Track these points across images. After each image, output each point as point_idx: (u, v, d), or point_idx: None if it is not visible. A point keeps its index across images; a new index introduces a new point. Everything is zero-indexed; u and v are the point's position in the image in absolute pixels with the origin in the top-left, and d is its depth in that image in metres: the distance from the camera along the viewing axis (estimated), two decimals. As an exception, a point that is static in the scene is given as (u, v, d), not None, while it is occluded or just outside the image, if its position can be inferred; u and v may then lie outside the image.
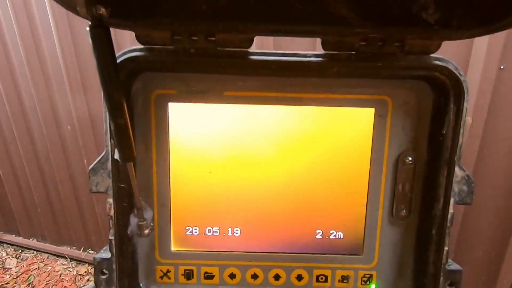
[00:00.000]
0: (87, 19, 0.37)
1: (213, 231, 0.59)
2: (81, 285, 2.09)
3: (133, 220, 0.53)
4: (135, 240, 0.56)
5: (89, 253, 2.21)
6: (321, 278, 0.61)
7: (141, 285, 0.59)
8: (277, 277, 0.61)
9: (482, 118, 1.14)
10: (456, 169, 0.51)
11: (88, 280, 2.15)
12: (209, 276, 0.61)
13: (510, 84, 1.08)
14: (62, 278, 2.16)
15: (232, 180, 0.57)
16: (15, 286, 2.10)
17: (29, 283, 2.12)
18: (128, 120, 0.43)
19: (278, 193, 0.58)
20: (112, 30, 0.40)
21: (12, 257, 2.38)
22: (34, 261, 2.32)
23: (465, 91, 0.48)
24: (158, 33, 0.46)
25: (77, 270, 2.22)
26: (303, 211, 0.58)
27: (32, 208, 2.25)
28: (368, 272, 0.61)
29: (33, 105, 1.89)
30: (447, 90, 0.49)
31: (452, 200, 0.51)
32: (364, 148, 0.56)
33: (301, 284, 0.61)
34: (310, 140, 0.56)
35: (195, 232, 0.59)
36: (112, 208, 0.51)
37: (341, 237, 0.59)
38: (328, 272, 0.61)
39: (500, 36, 1.04)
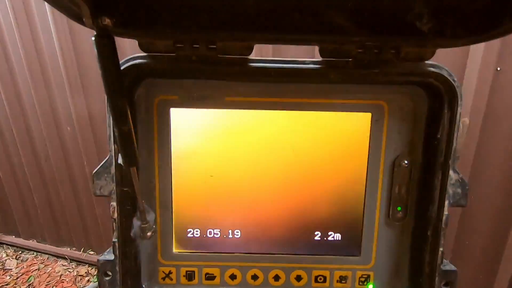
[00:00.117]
0: (92, 29, 0.38)
1: (214, 233, 0.61)
2: (82, 286, 2.10)
3: (136, 223, 0.54)
4: (138, 242, 0.58)
5: (89, 253, 2.22)
6: (320, 279, 0.62)
7: (143, 286, 0.60)
8: (276, 277, 0.62)
9: (479, 119, 1.15)
10: (451, 172, 0.52)
11: (88, 280, 2.16)
12: (210, 277, 0.62)
13: (506, 86, 1.10)
14: (62, 279, 2.16)
15: (232, 183, 0.59)
16: (15, 287, 2.10)
17: (29, 284, 2.13)
18: (132, 126, 0.44)
19: (278, 196, 0.59)
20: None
21: (12, 258, 2.38)
22: (34, 262, 2.32)
23: (459, 96, 0.49)
24: (160, 41, 0.47)
25: (77, 271, 2.22)
26: (302, 213, 0.60)
27: (32, 209, 2.25)
28: (365, 273, 0.62)
29: (33, 106, 1.89)
30: (441, 96, 0.51)
31: (446, 203, 0.52)
32: (361, 151, 0.57)
33: (300, 284, 0.63)
34: (308, 144, 0.57)
35: (197, 234, 0.61)
36: (116, 211, 0.52)
37: (339, 239, 0.61)
38: (326, 273, 0.62)
39: (497, 39, 1.05)
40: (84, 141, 1.84)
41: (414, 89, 0.54)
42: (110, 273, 0.54)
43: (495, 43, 1.06)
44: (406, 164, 0.57)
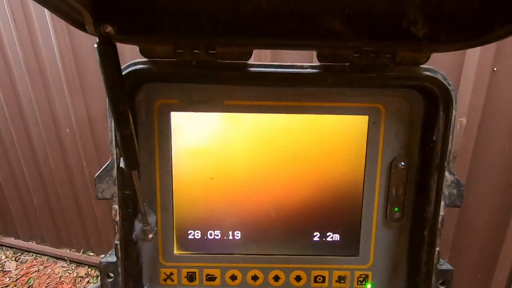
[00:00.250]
0: (95, 36, 0.39)
1: (214, 235, 0.61)
2: (82, 287, 2.10)
3: (138, 225, 0.55)
4: (140, 244, 0.58)
5: (89, 255, 2.22)
6: (319, 279, 0.63)
7: (145, 287, 0.61)
8: (276, 278, 0.63)
9: (476, 119, 1.17)
10: (446, 173, 0.53)
11: (88, 282, 2.16)
12: (211, 278, 0.63)
13: (503, 86, 1.11)
14: (62, 280, 2.17)
15: (232, 185, 0.59)
16: (15, 288, 2.11)
17: (29, 286, 2.13)
18: (133, 130, 0.45)
19: (277, 197, 0.60)
20: None
21: (12, 260, 2.38)
22: (33, 264, 2.32)
23: (454, 100, 0.50)
24: (161, 47, 0.48)
25: (77, 272, 2.22)
26: (301, 214, 0.61)
27: (31, 210, 2.25)
28: (364, 273, 0.63)
29: (32, 107, 1.89)
30: (436, 99, 0.52)
31: (442, 203, 0.54)
32: (359, 153, 0.58)
33: (299, 284, 0.63)
34: (307, 146, 0.58)
35: (197, 235, 0.61)
36: (118, 214, 0.53)
37: (338, 239, 0.62)
38: (325, 273, 0.63)
39: (492, 41, 1.06)
40: (83, 142, 1.85)
41: (410, 93, 0.55)
42: (112, 275, 0.54)
43: (491, 44, 1.06)
44: (403, 165, 0.58)
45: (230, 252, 0.62)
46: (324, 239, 0.62)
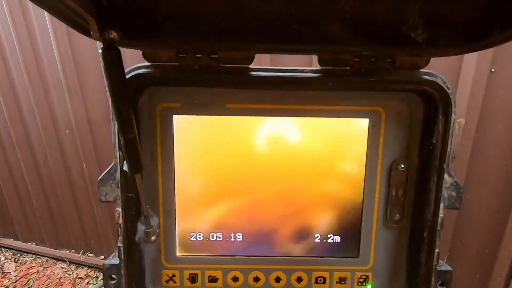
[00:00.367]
0: (99, 41, 0.40)
1: (216, 237, 0.62)
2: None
3: (141, 228, 0.56)
4: (142, 246, 0.59)
5: (88, 256, 2.22)
6: (320, 280, 0.64)
7: None
8: (278, 279, 0.64)
9: (475, 120, 1.18)
10: (445, 175, 0.54)
11: (87, 283, 2.16)
12: (213, 280, 0.63)
13: (501, 87, 1.12)
14: (62, 282, 2.17)
15: (233, 187, 0.60)
16: (14, 290, 2.10)
17: (29, 287, 2.13)
18: (137, 134, 0.45)
19: (278, 200, 0.61)
20: None
21: (11, 261, 2.38)
22: (33, 265, 2.32)
23: (453, 103, 0.51)
24: (164, 51, 0.49)
25: (76, 273, 2.22)
26: (302, 216, 0.61)
27: (31, 212, 2.25)
28: (364, 274, 0.64)
29: (31, 109, 1.89)
30: (436, 102, 0.53)
31: (442, 205, 0.54)
32: (359, 156, 0.59)
33: (300, 286, 0.64)
34: (308, 149, 0.59)
35: (199, 237, 0.62)
36: (121, 217, 0.53)
37: (338, 241, 0.62)
38: (326, 274, 0.64)
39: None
40: (82, 144, 1.85)
41: (410, 96, 0.56)
42: (115, 277, 0.55)
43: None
44: (402, 168, 0.59)
45: (232, 254, 0.63)
46: (325, 240, 0.62)
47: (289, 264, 0.63)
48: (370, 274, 0.64)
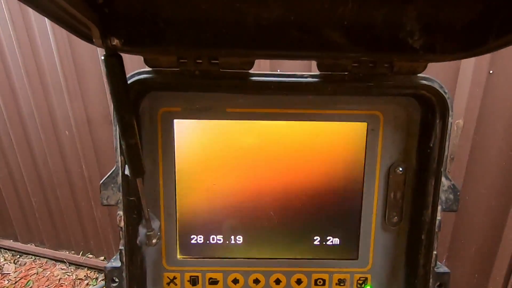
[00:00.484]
0: (102, 48, 0.40)
1: (216, 239, 0.62)
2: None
3: (142, 231, 0.56)
4: (144, 249, 0.59)
5: (88, 257, 2.22)
6: (319, 282, 0.64)
7: None
8: (277, 281, 0.64)
9: (473, 121, 1.18)
10: (443, 179, 0.54)
11: (87, 284, 2.16)
12: (213, 282, 0.64)
13: (499, 88, 1.13)
14: (61, 283, 2.17)
15: (234, 191, 0.61)
16: (14, 291, 2.10)
17: (28, 288, 2.13)
18: (138, 139, 0.46)
19: (278, 202, 0.61)
20: None
21: (10, 263, 2.37)
22: (32, 266, 2.32)
23: (450, 107, 0.52)
24: (165, 57, 0.49)
25: (76, 274, 2.22)
26: (302, 219, 0.62)
27: (30, 213, 2.25)
28: (363, 275, 0.64)
29: (31, 110, 1.89)
30: (433, 107, 0.53)
31: (439, 208, 0.55)
32: (358, 159, 0.60)
33: (300, 287, 0.65)
34: (308, 152, 0.59)
35: (200, 240, 0.62)
36: (122, 220, 0.54)
37: (338, 243, 0.63)
38: (325, 276, 0.64)
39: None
40: (82, 145, 1.85)
41: (408, 100, 0.57)
42: (117, 280, 0.55)
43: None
44: (400, 171, 0.59)
45: (232, 256, 0.63)
46: (324, 243, 0.63)
47: (289, 266, 0.64)
48: (369, 276, 0.64)
